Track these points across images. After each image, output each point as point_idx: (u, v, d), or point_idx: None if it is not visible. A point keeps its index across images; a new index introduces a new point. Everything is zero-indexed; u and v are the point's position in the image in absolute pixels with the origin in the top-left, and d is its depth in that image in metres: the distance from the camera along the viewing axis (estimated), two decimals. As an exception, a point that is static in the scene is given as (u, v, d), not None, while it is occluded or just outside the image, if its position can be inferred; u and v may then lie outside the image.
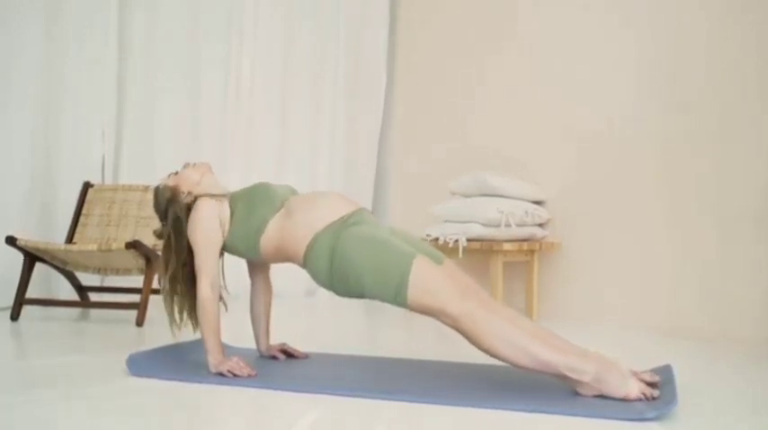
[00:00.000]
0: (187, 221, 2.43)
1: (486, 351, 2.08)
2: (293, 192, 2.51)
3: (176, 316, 2.44)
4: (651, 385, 2.09)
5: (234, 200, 2.43)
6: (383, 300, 2.18)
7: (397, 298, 2.14)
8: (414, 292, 2.11)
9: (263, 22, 5.02)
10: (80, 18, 4.43)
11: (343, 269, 2.19)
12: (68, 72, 4.41)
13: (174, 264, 2.41)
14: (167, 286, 2.43)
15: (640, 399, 1.99)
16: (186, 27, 4.81)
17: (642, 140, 3.72)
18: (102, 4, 4.50)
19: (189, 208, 2.45)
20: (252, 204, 2.38)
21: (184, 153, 4.66)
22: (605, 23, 3.96)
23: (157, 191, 2.57)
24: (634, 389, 2.00)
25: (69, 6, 4.39)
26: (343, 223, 2.26)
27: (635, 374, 2.07)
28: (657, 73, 3.68)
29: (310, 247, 2.26)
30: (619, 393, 2.00)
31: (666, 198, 3.60)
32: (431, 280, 2.12)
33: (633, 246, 3.73)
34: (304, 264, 2.31)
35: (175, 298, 2.44)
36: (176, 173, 2.56)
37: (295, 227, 2.30)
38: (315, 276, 2.29)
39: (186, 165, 2.58)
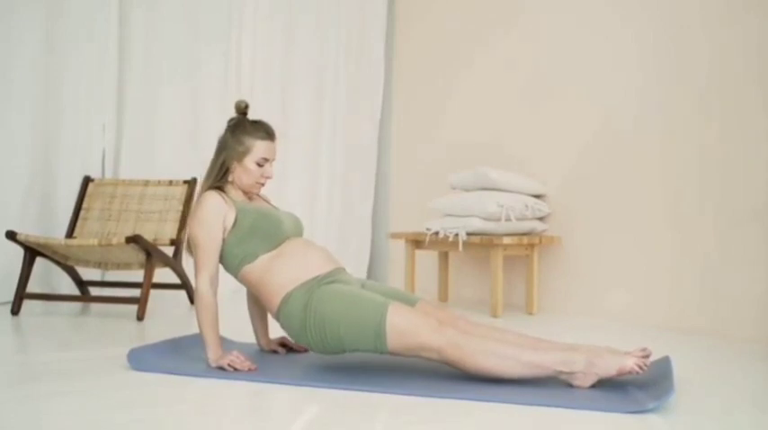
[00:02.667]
0: (227, 146, 2.50)
1: (479, 372, 2.14)
2: (297, 231, 2.53)
3: None
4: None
5: (243, 212, 2.43)
6: (364, 350, 2.24)
7: (378, 345, 2.20)
8: (392, 337, 2.18)
9: (263, 22, 5.03)
10: (80, 18, 4.44)
11: (319, 325, 2.25)
12: (68, 72, 4.41)
13: (212, 179, 2.49)
14: None
15: (635, 371, 2.04)
16: (186, 27, 4.82)
17: (642, 138, 3.73)
18: (102, 4, 4.51)
19: (225, 161, 2.50)
20: (254, 231, 2.39)
21: (185, 152, 4.67)
22: (605, 22, 3.97)
23: (243, 121, 2.55)
24: (628, 361, 2.05)
25: (69, 6, 4.40)
26: (318, 282, 2.32)
27: (627, 353, 2.11)
28: (658, 71, 3.68)
29: (284, 302, 2.31)
30: (613, 369, 2.06)
31: (666, 196, 3.61)
32: (406, 320, 2.18)
33: (633, 244, 3.73)
34: (277, 317, 2.37)
35: None
36: (268, 151, 2.51)
37: (276, 274, 2.35)
38: (288, 332, 2.36)
39: (267, 177, 2.53)
